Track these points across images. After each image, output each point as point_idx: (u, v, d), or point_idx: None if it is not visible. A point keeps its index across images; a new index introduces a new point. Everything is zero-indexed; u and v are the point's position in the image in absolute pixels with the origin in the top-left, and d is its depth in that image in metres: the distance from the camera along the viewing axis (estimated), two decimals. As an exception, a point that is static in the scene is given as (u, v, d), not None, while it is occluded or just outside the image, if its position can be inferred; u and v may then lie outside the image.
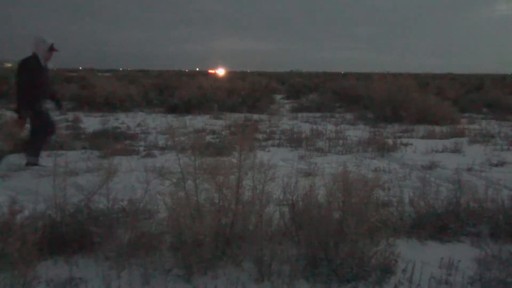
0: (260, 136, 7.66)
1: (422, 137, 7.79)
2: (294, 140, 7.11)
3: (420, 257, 2.66)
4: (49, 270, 2.42)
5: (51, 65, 5.27)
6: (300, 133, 7.86)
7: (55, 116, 10.65)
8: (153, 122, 9.60)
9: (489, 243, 2.89)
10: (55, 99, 5.39)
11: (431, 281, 2.39)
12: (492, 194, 3.32)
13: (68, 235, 2.63)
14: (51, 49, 5.01)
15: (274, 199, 2.92)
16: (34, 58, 4.95)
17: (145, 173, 3.03)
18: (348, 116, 11.33)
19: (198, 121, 9.95)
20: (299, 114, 11.77)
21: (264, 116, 10.98)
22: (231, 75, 28.05)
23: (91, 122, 9.27)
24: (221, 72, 42.91)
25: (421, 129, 8.63)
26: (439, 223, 3.05)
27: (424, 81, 22.01)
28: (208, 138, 7.38)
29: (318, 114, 11.68)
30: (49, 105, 5.44)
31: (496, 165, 5.49)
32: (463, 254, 2.76)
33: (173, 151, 3.03)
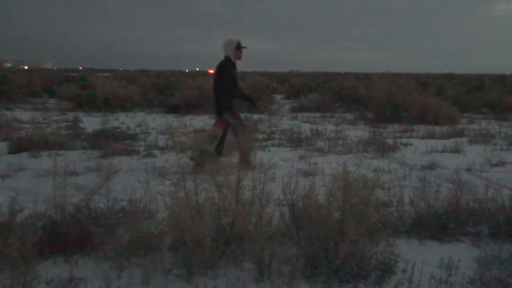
0: (260, 136, 7.66)
1: (422, 137, 7.79)
2: (294, 140, 7.11)
3: (420, 257, 2.66)
4: (49, 270, 2.43)
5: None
6: (300, 133, 7.86)
7: (54, 116, 10.66)
8: (153, 122, 9.60)
9: (489, 243, 2.89)
10: (247, 98, 5.57)
11: (431, 281, 2.39)
12: (492, 194, 3.32)
13: (68, 235, 2.63)
14: (239, 46, 5.10)
15: (274, 199, 2.92)
16: (228, 60, 5.07)
17: (145, 173, 3.04)
18: (348, 116, 11.32)
19: (198, 121, 9.95)
20: (299, 114, 11.76)
21: (264, 116, 10.98)
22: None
23: (91, 122, 9.28)
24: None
25: (421, 129, 8.62)
26: (439, 223, 3.05)
27: (424, 81, 22.01)
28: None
29: (318, 114, 11.67)
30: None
31: (496, 165, 5.48)
32: (463, 254, 2.76)
33: (173, 151, 3.03)
